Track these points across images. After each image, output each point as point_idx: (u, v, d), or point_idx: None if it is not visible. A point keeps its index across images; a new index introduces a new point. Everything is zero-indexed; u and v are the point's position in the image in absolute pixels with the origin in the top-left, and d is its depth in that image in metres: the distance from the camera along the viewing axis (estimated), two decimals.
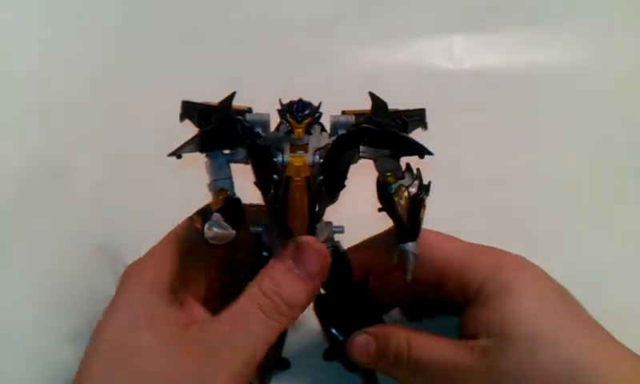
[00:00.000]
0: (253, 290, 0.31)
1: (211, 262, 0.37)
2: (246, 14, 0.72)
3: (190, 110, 0.34)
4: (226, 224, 0.32)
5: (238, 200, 0.34)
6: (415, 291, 0.39)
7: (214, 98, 0.34)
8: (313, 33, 0.71)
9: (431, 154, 0.32)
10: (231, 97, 0.33)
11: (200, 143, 0.33)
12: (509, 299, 0.32)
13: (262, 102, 0.34)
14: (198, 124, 0.34)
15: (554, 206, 0.55)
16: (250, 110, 0.34)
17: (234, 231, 0.32)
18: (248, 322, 0.30)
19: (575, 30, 0.73)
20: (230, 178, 0.35)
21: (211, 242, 0.32)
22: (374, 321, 0.38)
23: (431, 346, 0.33)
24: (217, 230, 0.31)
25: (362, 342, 0.36)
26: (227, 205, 0.33)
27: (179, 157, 0.32)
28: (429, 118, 0.35)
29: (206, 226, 0.31)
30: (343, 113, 0.34)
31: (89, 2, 0.73)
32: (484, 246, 0.36)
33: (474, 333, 0.33)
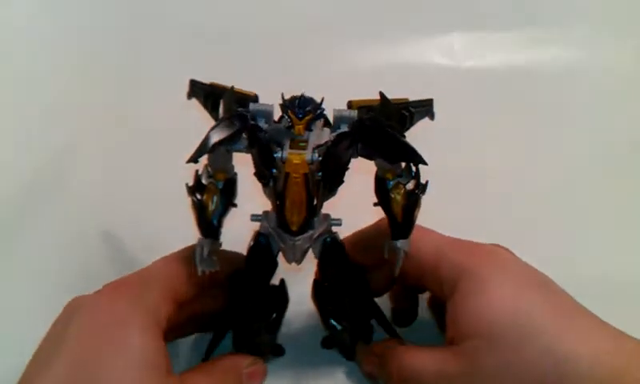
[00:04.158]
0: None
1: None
2: (246, 13, 0.72)
3: (197, 90, 0.35)
4: (213, 261, 0.33)
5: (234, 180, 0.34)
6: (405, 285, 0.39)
7: None
8: (313, 30, 0.71)
9: (425, 163, 0.31)
10: (232, 91, 0.33)
11: (210, 144, 0.31)
12: (484, 297, 0.31)
13: (263, 99, 0.34)
14: (204, 104, 0.35)
15: (553, 205, 0.54)
16: (256, 97, 0.34)
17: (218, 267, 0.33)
18: None
19: (576, 28, 0.73)
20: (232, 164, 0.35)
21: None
22: (370, 307, 0.39)
23: (418, 361, 0.33)
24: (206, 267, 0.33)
25: (369, 362, 0.38)
26: (227, 184, 0.33)
27: (196, 162, 0.31)
28: None
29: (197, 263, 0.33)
30: (349, 103, 0.33)
31: (89, 1, 0.73)
32: (456, 240, 0.35)
33: (457, 334, 0.32)
